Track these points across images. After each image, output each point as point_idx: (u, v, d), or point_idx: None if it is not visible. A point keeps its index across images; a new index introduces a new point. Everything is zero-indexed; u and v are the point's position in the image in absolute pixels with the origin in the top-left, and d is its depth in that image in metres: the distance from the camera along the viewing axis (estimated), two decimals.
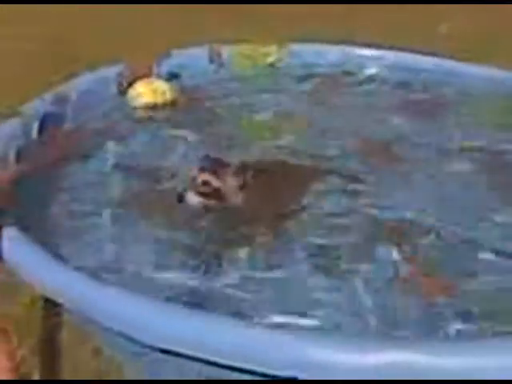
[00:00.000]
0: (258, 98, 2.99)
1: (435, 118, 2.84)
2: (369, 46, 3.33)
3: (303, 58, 3.31)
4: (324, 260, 1.95)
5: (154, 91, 2.90)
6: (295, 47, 3.34)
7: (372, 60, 3.27)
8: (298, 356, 1.47)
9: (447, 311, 1.75)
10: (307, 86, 3.18)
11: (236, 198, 2.10)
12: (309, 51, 3.33)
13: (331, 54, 3.33)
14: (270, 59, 3.30)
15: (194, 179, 2.09)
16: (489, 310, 1.75)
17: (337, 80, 3.22)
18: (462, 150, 2.57)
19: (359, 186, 2.31)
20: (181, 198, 2.08)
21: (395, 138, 2.65)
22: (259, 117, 2.86)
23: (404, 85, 3.15)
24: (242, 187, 2.09)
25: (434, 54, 3.37)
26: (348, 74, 3.25)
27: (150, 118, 2.82)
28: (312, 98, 3.05)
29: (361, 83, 3.21)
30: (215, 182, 2.07)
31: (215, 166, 2.11)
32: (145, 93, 2.89)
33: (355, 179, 2.33)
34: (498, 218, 2.14)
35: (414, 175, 2.38)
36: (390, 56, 3.28)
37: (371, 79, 3.22)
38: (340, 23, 4.98)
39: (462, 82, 3.13)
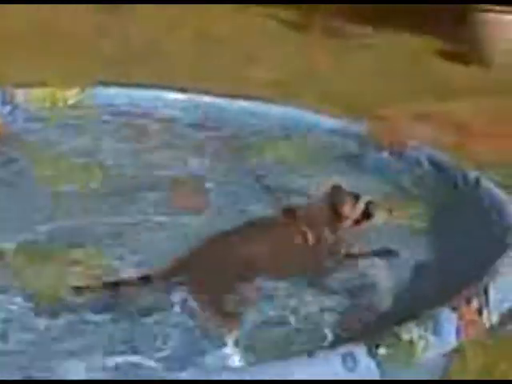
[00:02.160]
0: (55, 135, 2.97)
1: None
2: (171, 88, 3.42)
3: (106, 99, 3.32)
4: None
5: None
6: (97, 89, 3.35)
7: (170, 101, 3.36)
8: None
9: None
10: (111, 126, 3.19)
11: None
12: (110, 93, 3.35)
13: (133, 95, 3.37)
14: (71, 101, 3.27)
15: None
16: None
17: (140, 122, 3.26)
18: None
19: None
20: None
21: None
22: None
23: (198, 125, 3.24)
24: None
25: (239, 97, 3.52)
26: (145, 115, 3.29)
27: None
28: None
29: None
30: None
31: None
32: None
33: None
34: None
35: None
36: (186, 98, 3.38)
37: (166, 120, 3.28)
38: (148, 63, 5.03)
39: (262, 123, 3.27)
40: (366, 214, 2.18)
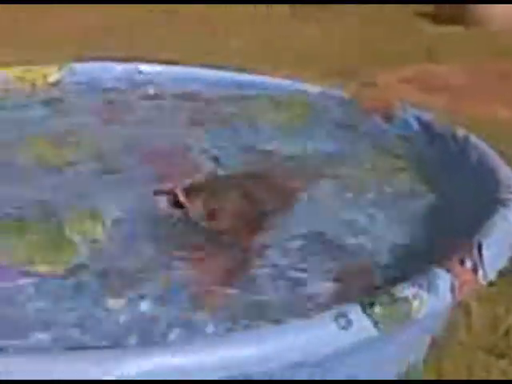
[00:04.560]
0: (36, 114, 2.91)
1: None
2: (150, 61, 3.36)
3: (86, 75, 3.25)
4: None
5: None
6: (77, 66, 3.28)
7: (155, 75, 3.29)
8: None
9: None
10: (95, 101, 3.13)
11: None
12: (91, 68, 3.29)
13: (115, 70, 3.31)
14: (51, 79, 3.21)
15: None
16: None
17: (125, 96, 3.21)
18: None
19: None
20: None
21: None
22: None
23: (189, 97, 3.19)
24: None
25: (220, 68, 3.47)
26: (133, 88, 3.24)
27: None
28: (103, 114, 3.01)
29: (147, 98, 3.21)
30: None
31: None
32: None
33: None
34: None
35: None
36: (172, 70, 3.32)
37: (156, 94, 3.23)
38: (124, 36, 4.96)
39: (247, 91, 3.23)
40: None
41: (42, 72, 3.20)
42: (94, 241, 1.99)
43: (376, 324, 1.50)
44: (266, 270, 1.88)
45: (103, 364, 1.32)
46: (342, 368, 1.59)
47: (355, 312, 1.47)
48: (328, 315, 1.45)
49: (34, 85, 3.12)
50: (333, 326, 1.43)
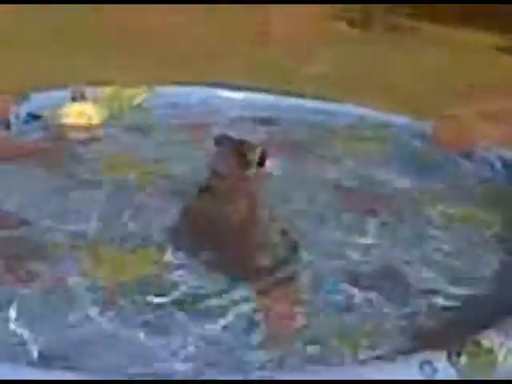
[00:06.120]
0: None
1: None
2: (230, 87, 3.43)
3: (168, 98, 3.33)
4: None
5: (80, 114, 3.01)
6: (161, 89, 3.36)
7: (234, 101, 3.36)
8: None
9: None
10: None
11: None
12: (174, 92, 3.36)
13: (195, 94, 3.38)
14: (137, 100, 3.29)
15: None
16: None
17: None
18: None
19: None
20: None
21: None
22: None
23: (268, 122, 3.23)
24: None
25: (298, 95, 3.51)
26: (213, 113, 3.29)
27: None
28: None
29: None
30: None
31: None
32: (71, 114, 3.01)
33: None
34: None
35: None
36: (252, 97, 3.39)
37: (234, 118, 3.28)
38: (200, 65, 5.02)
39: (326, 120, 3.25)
40: (262, 160, 2.12)
41: (127, 94, 3.28)
42: None
43: (460, 373, 1.48)
44: None
45: None
46: None
47: (441, 360, 1.46)
48: (413, 360, 1.44)
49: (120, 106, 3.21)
50: (417, 373, 1.42)
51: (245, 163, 2.10)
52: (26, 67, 4.31)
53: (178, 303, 1.83)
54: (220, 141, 2.16)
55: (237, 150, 2.11)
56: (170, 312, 1.79)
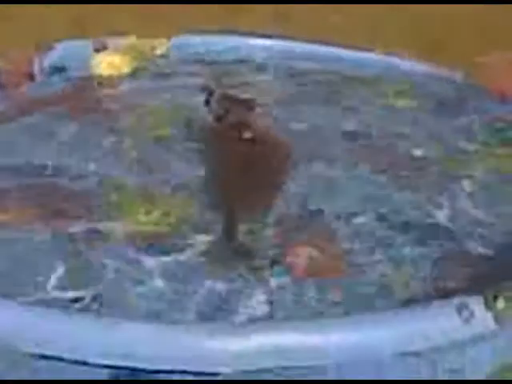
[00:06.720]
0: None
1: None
2: (257, 34, 3.34)
3: (192, 48, 3.27)
4: None
5: (109, 64, 3.01)
6: (183, 38, 3.30)
7: (261, 49, 3.26)
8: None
9: None
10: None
11: None
12: (197, 41, 3.30)
13: (220, 43, 3.31)
14: (159, 51, 3.24)
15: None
16: None
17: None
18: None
19: None
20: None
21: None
22: None
23: (297, 73, 3.16)
24: None
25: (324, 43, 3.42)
26: (240, 62, 3.23)
27: None
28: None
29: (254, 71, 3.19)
30: None
31: None
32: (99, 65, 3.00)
33: None
34: None
35: None
36: (279, 44, 3.28)
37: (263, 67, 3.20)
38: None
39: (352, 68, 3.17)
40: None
41: (151, 44, 3.23)
42: None
43: (497, 317, 1.45)
44: None
45: None
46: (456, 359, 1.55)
47: (478, 304, 1.43)
48: (450, 305, 1.41)
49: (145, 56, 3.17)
50: (455, 318, 1.39)
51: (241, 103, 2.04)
52: (44, 19, 4.28)
53: None
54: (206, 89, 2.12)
55: (226, 94, 2.07)
56: None
